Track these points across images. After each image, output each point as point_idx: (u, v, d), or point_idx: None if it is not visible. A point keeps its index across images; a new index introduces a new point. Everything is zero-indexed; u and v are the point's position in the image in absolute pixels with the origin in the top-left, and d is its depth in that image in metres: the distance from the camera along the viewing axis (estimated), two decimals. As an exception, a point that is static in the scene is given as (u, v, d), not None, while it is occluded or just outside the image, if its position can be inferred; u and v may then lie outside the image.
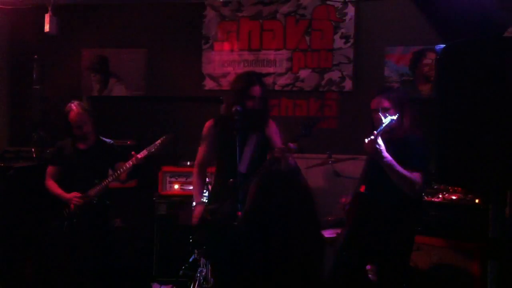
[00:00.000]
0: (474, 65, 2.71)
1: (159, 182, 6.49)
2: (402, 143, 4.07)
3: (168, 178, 6.52)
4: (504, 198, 2.89)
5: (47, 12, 6.51)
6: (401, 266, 4.16)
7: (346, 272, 4.20)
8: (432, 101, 3.00)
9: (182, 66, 7.26)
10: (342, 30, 6.88)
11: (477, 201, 4.97)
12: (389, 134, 4.01)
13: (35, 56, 6.86)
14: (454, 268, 4.83)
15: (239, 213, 3.99)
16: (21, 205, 6.04)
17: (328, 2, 6.91)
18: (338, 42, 6.90)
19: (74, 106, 5.34)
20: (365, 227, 4.11)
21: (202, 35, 7.22)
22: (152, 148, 5.19)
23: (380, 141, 3.94)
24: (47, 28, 6.65)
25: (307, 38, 6.98)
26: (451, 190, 5.15)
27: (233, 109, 4.31)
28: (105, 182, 5.28)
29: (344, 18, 6.88)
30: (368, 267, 4.51)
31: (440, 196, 5.14)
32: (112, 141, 5.57)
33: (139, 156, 5.18)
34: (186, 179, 6.41)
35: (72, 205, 5.23)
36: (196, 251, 5.60)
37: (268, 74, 7.01)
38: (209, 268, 5.43)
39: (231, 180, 4.23)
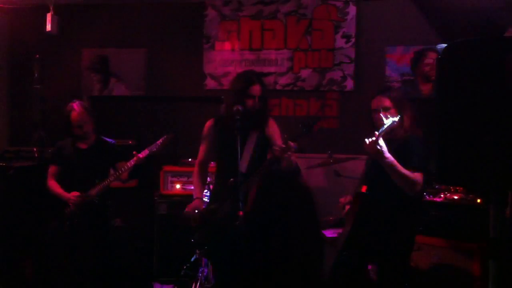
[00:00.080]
0: (474, 65, 2.70)
1: (160, 182, 6.49)
2: (403, 143, 4.06)
3: (169, 178, 6.52)
4: (505, 198, 2.87)
5: (47, 12, 6.50)
6: (401, 266, 4.15)
7: (346, 272, 4.20)
8: (432, 101, 3.00)
9: (183, 66, 7.26)
10: (343, 30, 6.89)
11: (478, 201, 4.96)
12: (389, 134, 4.00)
13: (37, 56, 6.86)
14: (454, 268, 4.83)
15: (241, 213, 3.98)
16: (21, 205, 6.04)
17: (329, 2, 6.90)
18: (339, 42, 6.90)
19: (75, 105, 5.34)
20: (365, 227, 4.10)
21: (203, 35, 7.22)
22: (153, 148, 5.19)
23: (381, 142, 3.93)
24: (48, 27, 6.65)
25: (308, 37, 6.98)
26: (452, 190, 5.14)
27: (234, 108, 4.30)
28: (106, 182, 5.28)
29: (345, 17, 6.88)
30: (369, 267, 4.51)
31: (442, 196, 5.14)
32: (114, 141, 5.57)
33: (140, 155, 5.18)
34: (187, 179, 6.41)
35: (72, 205, 5.22)
36: (197, 251, 5.60)
37: (269, 74, 7.01)
38: (211, 268, 5.43)
39: (231, 179, 4.22)
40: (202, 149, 4.79)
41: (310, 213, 2.34)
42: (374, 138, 3.94)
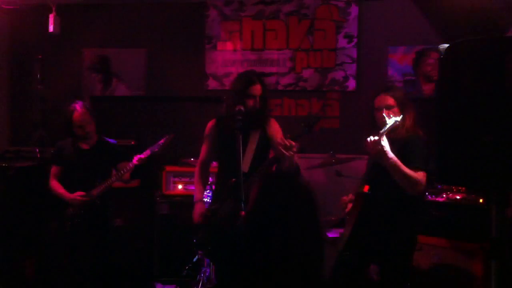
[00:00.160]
0: (476, 64, 2.70)
1: (162, 182, 6.49)
2: (404, 143, 4.05)
3: (171, 178, 6.53)
4: (505, 198, 2.87)
5: (48, 12, 6.52)
6: (402, 266, 4.15)
7: (347, 272, 4.19)
8: (434, 101, 3.00)
9: (184, 66, 7.26)
10: (345, 30, 6.88)
11: (480, 201, 4.96)
12: (391, 134, 4.00)
13: (38, 56, 6.87)
14: (456, 268, 4.82)
15: (242, 213, 3.98)
16: (21, 205, 6.05)
17: (330, 2, 6.90)
18: (341, 42, 6.90)
19: (78, 106, 5.35)
20: (366, 227, 4.10)
21: (205, 35, 7.22)
22: (155, 148, 5.20)
23: (384, 141, 3.92)
24: (51, 28, 6.66)
25: (310, 37, 6.98)
26: (454, 190, 5.13)
27: (236, 108, 4.30)
28: (108, 182, 5.28)
29: (347, 18, 6.88)
30: (371, 267, 4.51)
31: (444, 195, 5.13)
32: (115, 141, 5.58)
33: (142, 156, 5.19)
34: (189, 179, 6.41)
35: (74, 205, 5.23)
36: (199, 251, 5.61)
37: (271, 74, 7.01)
38: (213, 268, 5.43)
39: (233, 180, 4.22)
40: (203, 149, 4.80)
41: (311, 213, 2.33)
42: (376, 138, 3.93)
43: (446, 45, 2.81)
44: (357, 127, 6.31)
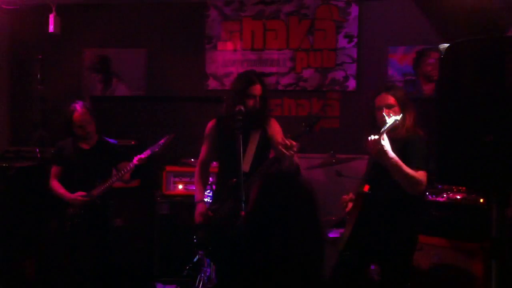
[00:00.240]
0: (476, 64, 2.70)
1: (163, 182, 6.49)
2: (405, 143, 4.05)
3: (172, 178, 6.52)
4: (506, 198, 2.87)
5: (48, 12, 6.52)
6: (402, 266, 4.14)
7: (347, 272, 4.19)
8: (434, 101, 3.00)
9: (184, 66, 7.26)
10: (345, 30, 6.88)
11: (481, 200, 4.95)
12: (391, 134, 4.00)
13: (38, 56, 6.86)
14: (456, 268, 4.82)
15: (243, 213, 3.99)
16: (21, 205, 6.05)
17: (331, 2, 6.90)
18: (341, 42, 6.90)
19: (78, 106, 5.35)
20: (366, 226, 4.10)
21: (205, 35, 7.22)
22: (155, 148, 5.20)
23: (384, 141, 3.92)
24: (51, 28, 6.66)
25: (310, 37, 6.98)
26: (455, 190, 5.13)
27: (236, 108, 4.31)
28: (108, 182, 5.29)
29: (347, 17, 6.87)
30: (372, 267, 4.51)
31: (445, 195, 5.13)
32: (115, 141, 5.58)
33: (142, 156, 5.19)
34: (190, 179, 6.41)
35: (75, 205, 5.23)
36: (200, 252, 5.61)
37: (271, 74, 7.01)
38: (213, 268, 5.43)
39: (233, 180, 4.22)
40: (204, 149, 4.80)
41: (311, 213, 2.33)
42: (376, 137, 3.93)
43: (446, 45, 2.81)
44: (357, 127, 6.30)
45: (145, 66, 7.35)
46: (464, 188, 5.08)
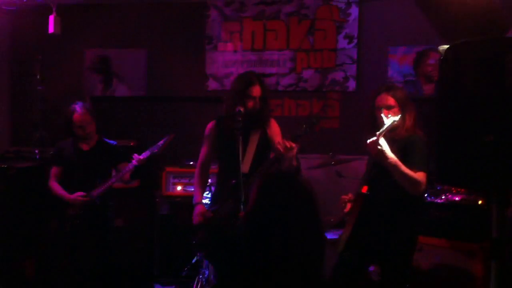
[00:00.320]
0: (476, 65, 2.70)
1: (162, 183, 6.49)
2: (404, 143, 4.05)
3: (171, 179, 6.52)
4: (506, 198, 2.87)
5: (48, 13, 6.51)
6: (402, 266, 4.14)
7: (347, 272, 4.19)
8: (434, 101, 3.00)
9: (184, 67, 7.26)
10: (346, 31, 6.88)
11: (479, 202, 4.96)
12: (391, 134, 4.00)
13: (40, 57, 6.86)
14: (456, 269, 4.82)
15: (241, 214, 3.99)
16: (22, 205, 6.05)
17: (331, 2, 6.90)
18: (342, 43, 6.90)
19: (78, 107, 5.35)
20: (366, 227, 4.10)
21: (205, 35, 7.22)
22: (154, 149, 5.20)
23: (382, 141, 3.93)
24: (51, 28, 6.66)
25: (310, 38, 6.98)
26: (454, 191, 5.14)
27: (236, 109, 4.31)
28: (108, 183, 5.29)
29: (347, 18, 6.87)
30: (371, 268, 4.51)
31: (443, 197, 5.13)
32: (115, 142, 5.58)
33: (141, 157, 5.19)
34: (189, 180, 6.41)
35: (74, 206, 5.23)
36: (198, 253, 5.61)
37: (271, 75, 7.01)
38: (212, 269, 5.43)
39: (233, 181, 4.23)
40: (203, 151, 4.78)
41: (311, 213, 2.33)
42: (375, 138, 3.94)
43: (446, 46, 2.82)
44: (357, 127, 6.30)
45: (145, 67, 7.35)
46: (463, 189, 5.08)
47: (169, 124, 6.97)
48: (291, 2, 7.01)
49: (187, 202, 5.64)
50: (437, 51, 6.32)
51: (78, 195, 5.22)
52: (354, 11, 6.86)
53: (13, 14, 7.20)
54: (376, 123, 4.14)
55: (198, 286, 5.51)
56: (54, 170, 5.46)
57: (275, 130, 4.62)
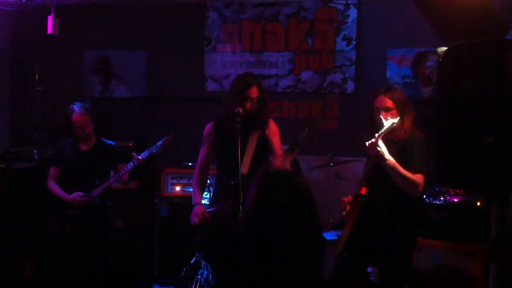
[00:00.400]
0: (475, 66, 2.71)
1: (161, 184, 6.49)
2: (403, 144, 4.06)
3: (170, 180, 6.52)
4: (505, 199, 2.88)
5: (48, 14, 6.51)
6: (402, 267, 4.14)
7: (346, 272, 4.20)
8: (433, 103, 3.01)
9: (184, 68, 7.27)
10: (344, 32, 6.88)
11: (478, 203, 4.97)
12: (390, 135, 4.01)
13: (39, 58, 6.86)
14: (455, 270, 4.83)
15: (240, 214, 3.99)
16: (21, 205, 6.05)
17: (330, 4, 6.91)
18: (340, 44, 6.90)
19: (77, 107, 5.36)
20: (365, 227, 4.10)
21: (204, 37, 7.22)
22: (153, 149, 5.20)
23: (381, 143, 3.94)
24: (50, 29, 6.66)
25: (309, 40, 6.98)
26: (452, 193, 5.14)
27: (235, 110, 4.32)
28: (107, 183, 5.29)
29: (346, 20, 6.88)
30: (369, 269, 4.51)
31: (442, 198, 5.14)
32: (114, 143, 5.59)
33: (140, 157, 5.19)
34: (188, 181, 6.41)
35: (74, 206, 5.24)
36: (197, 254, 5.61)
37: (270, 76, 7.02)
38: (210, 269, 5.43)
39: (232, 182, 4.24)
40: (202, 152, 4.78)
41: (311, 213, 2.34)
42: (374, 140, 3.95)
43: (444, 48, 2.82)
44: (356, 129, 6.32)
45: (145, 68, 7.35)
46: (461, 190, 5.09)
47: (168, 124, 6.98)
48: (290, 4, 7.02)
49: (186, 203, 5.65)
50: (435, 53, 6.34)
51: (77, 195, 5.23)
52: (353, 13, 6.86)
53: (12, 15, 7.20)
54: (374, 125, 4.15)
55: (197, 287, 5.50)
56: (53, 171, 5.46)
57: (274, 131, 4.63)
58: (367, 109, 4.30)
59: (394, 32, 6.75)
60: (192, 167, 5.40)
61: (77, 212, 5.23)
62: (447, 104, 2.77)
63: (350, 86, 6.86)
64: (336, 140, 6.69)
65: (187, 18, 7.28)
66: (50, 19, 6.67)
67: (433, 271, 4.93)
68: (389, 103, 4.12)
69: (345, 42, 6.90)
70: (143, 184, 6.45)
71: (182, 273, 5.93)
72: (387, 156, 3.95)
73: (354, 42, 6.87)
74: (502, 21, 4.85)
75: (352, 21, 6.87)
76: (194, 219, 4.54)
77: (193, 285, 5.54)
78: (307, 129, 4.33)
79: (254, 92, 4.47)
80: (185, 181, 6.44)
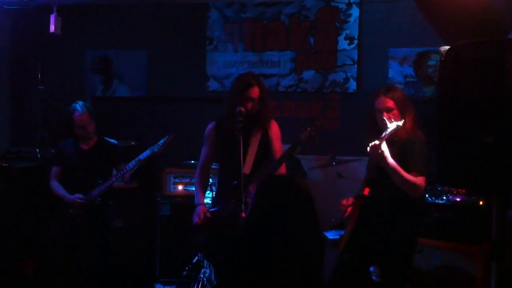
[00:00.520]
0: (476, 66, 2.71)
1: (163, 183, 6.49)
2: (404, 144, 4.05)
3: (172, 179, 6.52)
4: (506, 200, 2.88)
5: (50, 13, 6.51)
6: (402, 266, 4.14)
7: (347, 272, 4.19)
8: (435, 102, 3.00)
9: (185, 67, 7.26)
10: (346, 32, 6.87)
11: (480, 203, 4.96)
12: (391, 136, 4.00)
13: (40, 57, 6.87)
14: (457, 270, 4.82)
15: (243, 214, 3.99)
16: (22, 205, 6.05)
17: (332, 4, 6.90)
18: (342, 44, 6.89)
19: (78, 106, 5.37)
20: (366, 227, 4.10)
21: (206, 36, 7.22)
22: (155, 148, 5.21)
23: (384, 146, 3.93)
24: (52, 29, 6.66)
25: (311, 39, 6.97)
26: (455, 192, 5.14)
27: (237, 110, 4.31)
28: (108, 183, 5.30)
29: (348, 19, 6.86)
30: (371, 268, 4.51)
31: (444, 198, 5.13)
32: (116, 142, 5.59)
33: (142, 157, 5.21)
34: (190, 180, 6.41)
35: (75, 207, 5.24)
36: (199, 254, 5.61)
37: (272, 76, 7.01)
38: (212, 269, 5.43)
39: (234, 183, 4.23)
40: (204, 152, 4.78)
41: (311, 213, 2.34)
42: (377, 142, 3.94)
43: (447, 47, 2.82)
44: (357, 128, 6.32)
45: (146, 67, 7.35)
46: (463, 190, 5.08)
47: (169, 124, 6.98)
48: (291, 3, 7.01)
49: (188, 202, 5.65)
50: (437, 52, 6.33)
51: (77, 197, 5.23)
52: (355, 12, 6.85)
53: (14, 14, 7.20)
54: (375, 125, 4.15)
55: (199, 286, 5.50)
56: (55, 170, 5.47)
57: (275, 133, 4.62)
58: (368, 110, 4.29)
59: (396, 32, 6.73)
60: (194, 165, 5.41)
61: (79, 211, 5.24)
62: (447, 104, 2.77)
63: (352, 86, 6.85)
64: (338, 139, 6.68)
65: (189, 18, 7.28)
66: (52, 18, 6.67)
67: (434, 271, 4.93)
68: (390, 103, 4.11)
69: (347, 42, 6.89)
70: (143, 184, 6.44)
71: (184, 273, 5.93)
72: (390, 160, 3.94)
73: (356, 42, 6.85)
74: (502, 21, 4.85)
75: (354, 20, 6.85)
76: (196, 220, 4.54)
77: (196, 285, 5.54)
78: (308, 129, 4.33)
79: (255, 92, 4.47)
80: (187, 180, 6.45)
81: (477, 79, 2.68)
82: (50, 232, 5.33)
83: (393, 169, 3.94)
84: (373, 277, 4.70)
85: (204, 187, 4.82)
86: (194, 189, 4.89)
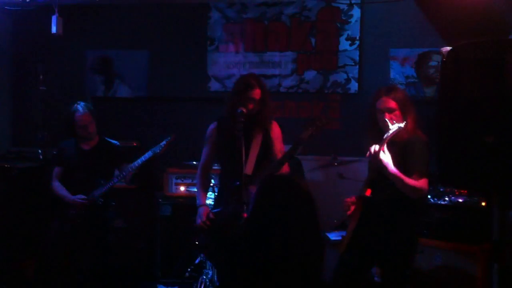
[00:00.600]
0: (477, 67, 2.71)
1: (164, 183, 6.49)
2: (404, 145, 4.04)
3: (173, 180, 6.52)
4: (507, 200, 2.87)
5: (51, 13, 6.51)
6: (403, 267, 4.13)
7: (347, 272, 4.19)
8: (436, 103, 3.00)
9: (186, 68, 7.26)
10: (348, 32, 6.87)
11: (482, 204, 4.96)
12: (392, 137, 3.99)
13: (41, 58, 6.87)
14: (458, 270, 4.82)
15: (245, 215, 4.00)
16: (23, 205, 6.06)
17: (333, 4, 6.89)
18: (344, 44, 6.88)
19: (80, 107, 5.38)
20: (366, 228, 4.10)
21: (207, 37, 7.22)
22: (157, 149, 5.22)
23: (383, 155, 3.92)
24: (53, 29, 6.66)
25: (312, 39, 6.97)
26: (457, 193, 5.13)
27: (238, 110, 4.32)
28: (110, 183, 5.30)
29: (349, 20, 6.86)
30: (375, 270, 4.51)
31: (446, 198, 5.13)
32: (117, 143, 5.60)
33: (143, 157, 5.22)
34: (192, 181, 6.41)
35: (76, 207, 5.24)
36: (201, 254, 5.61)
37: (273, 76, 7.01)
38: (215, 270, 5.43)
39: (236, 182, 4.23)
40: (205, 153, 4.78)
41: (311, 213, 2.34)
42: (377, 147, 3.93)
43: (448, 48, 2.82)
44: (358, 129, 6.31)
45: (147, 68, 7.35)
46: (465, 191, 5.08)
47: (170, 124, 6.98)
48: (292, 3, 7.00)
49: (189, 203, 5.65)
50: (438, 53, 6.33)
51: (78, 198, 5.24)
52: (356, 12, 6.84)
53: (15, 14, 7.20)
54: (376, 126, 4.14)
55: (202, 287, 5.50)
56: (56, 171, 5.48)
57: (276, 133, 4.63)
58: (369, 111, 4.28)
59: (398, 32, 6.73)
60: (196, 166, 5.41)
61: (79, 211, 5.24)
62: (447, 104, 2.77)
63: (353, 86, 6.85)
64: (339, 140, 6.68)
65: (190, 18, 7.28)
66: (54, 19, 6.68)
67: (435, 272, 4.93)
68: (392, 104, 4.10)
69: (348, 42, 6.89)
70: (144, 184, 6.44)
71: (187, 273, 5.93)
72: (391, 168, 3.93)
73: (357, 42, 6.85)
74: (503, 21, 4.85)
75: (356, 21, 6.85)
76: (199, 221, 4.54)
77: (198, 286, 5.54)
78: (309, 128, 4.33)
79: (256, 93, 4.47)
80: (189, 181, 6.45)
81: (477, 79, 2.68)
82: (50, 232, 5.33)
83: (394, 176, 3.93)
84: (375, 278, 4.70)
85: (205, 188, 4.83)
86: (195, 190, 4.89)
